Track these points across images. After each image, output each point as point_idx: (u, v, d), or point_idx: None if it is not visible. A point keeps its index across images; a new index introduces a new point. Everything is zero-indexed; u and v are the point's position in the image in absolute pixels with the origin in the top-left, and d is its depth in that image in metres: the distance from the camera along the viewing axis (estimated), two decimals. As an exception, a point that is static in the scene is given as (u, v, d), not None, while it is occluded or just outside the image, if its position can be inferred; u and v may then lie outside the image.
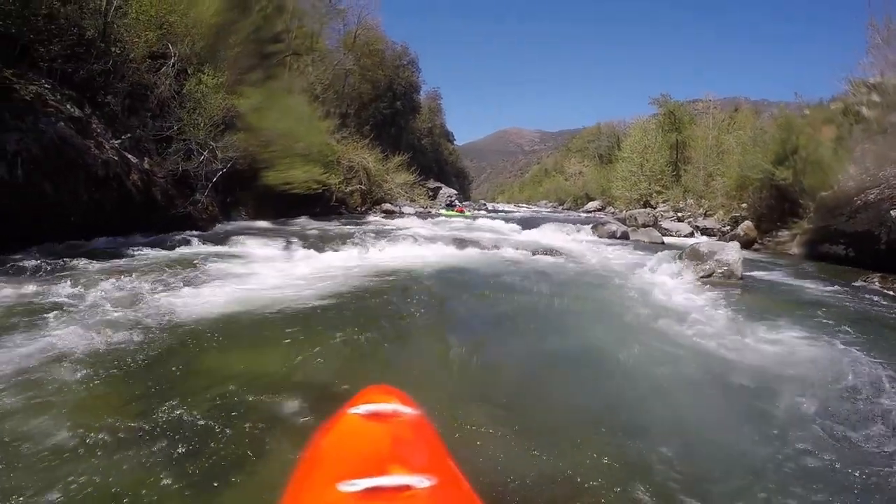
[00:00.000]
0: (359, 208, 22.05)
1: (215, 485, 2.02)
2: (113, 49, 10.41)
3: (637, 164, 31.63)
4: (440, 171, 49.75)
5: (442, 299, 5.52)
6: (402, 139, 36.87)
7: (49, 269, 5.65)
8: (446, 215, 21.60)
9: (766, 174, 14.15)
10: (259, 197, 13.32)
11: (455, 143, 71.31)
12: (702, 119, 31.21)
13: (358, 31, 30.90)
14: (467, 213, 23.09)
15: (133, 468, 2.09)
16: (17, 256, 6.14)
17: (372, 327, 4.19)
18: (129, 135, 9.84)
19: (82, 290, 4.61)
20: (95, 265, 6.01)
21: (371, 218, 19.72)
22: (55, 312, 3.90)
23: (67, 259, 6.15)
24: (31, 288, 4.64)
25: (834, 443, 2.56)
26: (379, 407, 1.70)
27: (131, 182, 8.63)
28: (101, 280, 5.05)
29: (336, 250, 8.18)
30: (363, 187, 23.27)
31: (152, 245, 7.64)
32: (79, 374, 2.88)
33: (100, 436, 2.29)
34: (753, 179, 15.43)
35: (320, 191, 16.16)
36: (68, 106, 8.78)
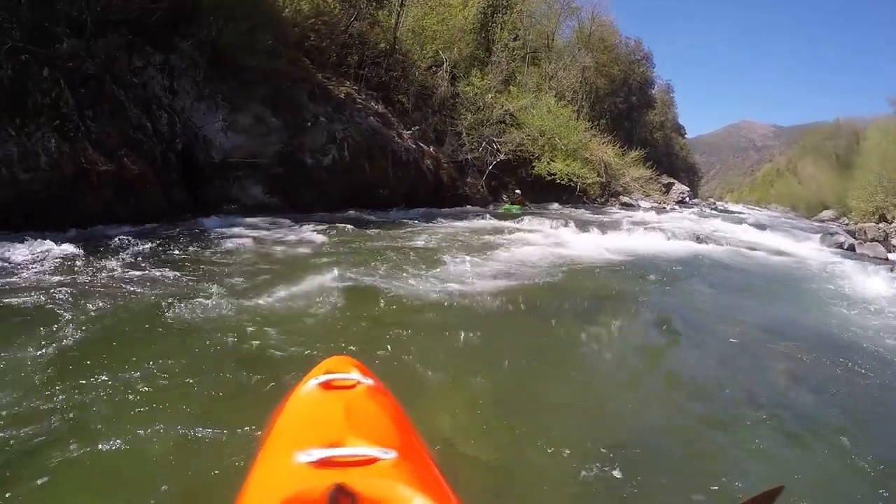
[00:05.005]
0: (597, 199, 21.05)
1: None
2: (413, 59, 11.47)
3: (875, 172, 24.12)
4: (670, 165, 45.09)
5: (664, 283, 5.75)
6: (635, 133, 34.28)
7: (384, 224, 6.89)
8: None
9: None
10: (520, 183, 13.77)
11: (685, 136, 64.31)
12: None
13: (592, 27, 29.60)
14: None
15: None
16: (371, 217, 7.39)
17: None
18: (417, 127, 10.54)
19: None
20: (426, 225, 7.41)
21: (612, 209, 18.70)
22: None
23: (395, 219, 7.40)
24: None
25: None
26: (337, 377, 1.57)
27: (425, 166, 9.13)
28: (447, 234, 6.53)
29: (600, 232, 8.79)
30: (602, 180, 22.20)
31: (450, 216, 8.38)
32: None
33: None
34: None
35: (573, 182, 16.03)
36: (373, 103, 9.71)
